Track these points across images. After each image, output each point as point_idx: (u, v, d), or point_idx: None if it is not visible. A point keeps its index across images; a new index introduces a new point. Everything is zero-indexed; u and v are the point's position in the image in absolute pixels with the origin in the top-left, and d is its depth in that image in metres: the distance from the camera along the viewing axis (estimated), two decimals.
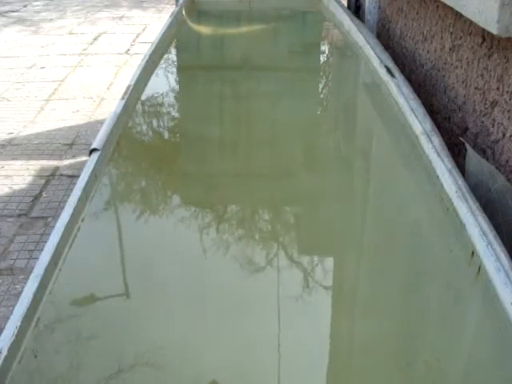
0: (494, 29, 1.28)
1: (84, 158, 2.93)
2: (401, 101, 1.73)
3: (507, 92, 1.39)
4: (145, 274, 1.22)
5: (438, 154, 1.41)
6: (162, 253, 1.30)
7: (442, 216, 1.30)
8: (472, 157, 1.47)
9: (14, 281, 2.25)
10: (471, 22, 1.46)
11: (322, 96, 2.28)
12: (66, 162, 3.16)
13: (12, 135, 3.49)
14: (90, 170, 1.44)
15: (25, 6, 6.99)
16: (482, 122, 1.53)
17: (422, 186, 1.43)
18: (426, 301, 1.15)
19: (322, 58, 2.73)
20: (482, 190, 1.39)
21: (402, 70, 2.04)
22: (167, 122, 2.02)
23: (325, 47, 2.85)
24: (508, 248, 1.09)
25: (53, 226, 1.24)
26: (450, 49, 1.77)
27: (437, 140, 1.47)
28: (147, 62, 2.19)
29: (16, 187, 2.91)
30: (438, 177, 1.36)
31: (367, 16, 2.93)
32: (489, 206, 1.33)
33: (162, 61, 2.41)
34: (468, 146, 1.50)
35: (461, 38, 1.68)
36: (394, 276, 1.21)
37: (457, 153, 1.66)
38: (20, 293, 1.06)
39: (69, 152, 3.28)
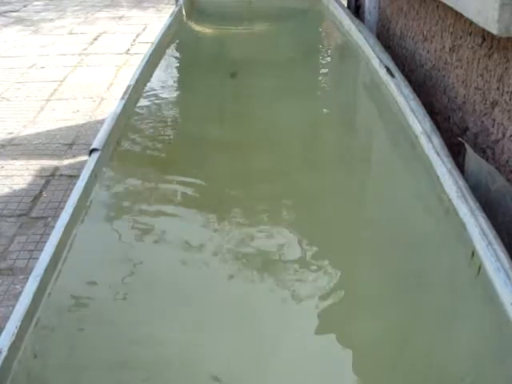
0: (494, 29, 1.28)
1: (84, 158, 2.93)
2: (401, 101, 1.73)
3: (507, 92, 1.39)
4: (145, 274, 1.22)
5: (438, 154, 1.41)
6: (162, 253, 1.30)
7: (442, 216, 1.30)
8: (471, 157, 1.47)
9: (14, 281, 2.25)
10: (471, 22, 1.46)
11: (321, 96, 2.28)
12: (66, 162, 3.16)
13: (12, 135, 3.49)
14: (90, 170, 1.44)
15: (25, 6, 6.99)
16: (482, 122, 1.53)
17: (422, 186, 1.43)
18: (426, 301, 1.15)
19: (322, 58, 2.72)
20: (481, 190, 1.39)
21: (402, 70, 2.04)
22: (167, 122, 2.02)
23: (324, 47, 2.84)
24: (508, 248, 1.09)
25: (53, 226, 1.23)
26: (450, 49, 1.77)
27: (437, 140, 1.47)
28: (147, 62, 2.19)
29: (16, 187, 2.90)
30: (438, 177, 1.36)
31: (367, 16, 2.93)
32: (489, 206, 1.33)
33: (162, 61, 2.41)
34: (467, 147, 1.50)
35: (461, 37, 1.68)
36: (394, 276, 1.21)
37: (457, 153, 1.66)
38: (20, 293, 1.06)
39: (69, 152, 3.28)
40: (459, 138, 1.62)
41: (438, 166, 1.38)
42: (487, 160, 1.45)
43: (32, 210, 2.71)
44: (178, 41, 2.71)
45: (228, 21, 3.19)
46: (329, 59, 2.68)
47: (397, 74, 1.90)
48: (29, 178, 2.99)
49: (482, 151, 1.52)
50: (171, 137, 1.93)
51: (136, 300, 1.17)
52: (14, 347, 0.96)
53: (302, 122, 1.94)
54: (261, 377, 1.00)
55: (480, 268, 1.08)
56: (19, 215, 2.67)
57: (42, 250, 1.16)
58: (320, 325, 1.10)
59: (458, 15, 1.61)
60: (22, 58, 4.99)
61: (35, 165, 3.12)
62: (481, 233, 1.12)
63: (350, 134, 1.93)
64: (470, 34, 1.60)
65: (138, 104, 2.00)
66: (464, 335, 1.06)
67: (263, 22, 3.16)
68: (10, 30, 5.92)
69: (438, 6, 1.88)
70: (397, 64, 2.03)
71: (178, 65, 2.51)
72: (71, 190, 1.37)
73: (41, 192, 2.86)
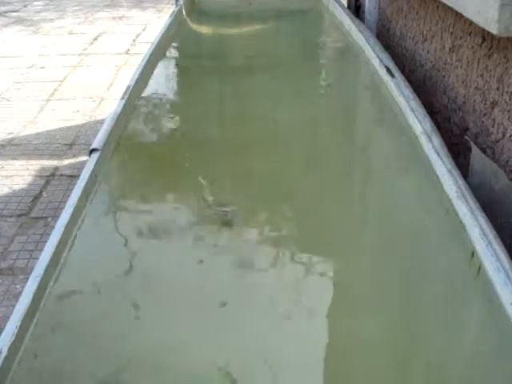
0: (494, 29, 1.28)
1: (84, 158, 2.93)
2: (401, 101, 1.73)
3: (507, 92, 1.39)
4: (145, 274, 1.22)
5: (438, 154, 1.41)
6: (162, 253, 1.30)
7: (442, 216, 1.30)
8: (476, 156, 1.47)
9: (14, 281, 2.25)
10: (471, 22, 1.46)
11: (321, 96, 2.28)
12: (66, 162, 3.16)
13: (12, 135, 3.49)
14: (90, 170, 1.44)
15: (25, 6, 6.99)
16: (482, 122, 1.53)
17: (422, 186, 1.43)
18: (426, 301, 1.15)
19: (322, 58, 2.72)
20: (485, 189, 1.39)
21: (402, 70, 2.04)
22: (167, 122, 2.02)
23: (324, 47, 2.84)
24: (509, 248, 1.09)
25: (53, 226, 1.23)
26: (450, 49, 1.77)
27: (437, 140, 1.47)
28: (147, 61, 2.19)
29: (16, 187, 2.91)
30: (438, 177, 1.36)
31: (367, 16, 2.93)
32: (492, 205, 1.33)
33: (162, 61, 2.41)
34: (473, 145, 1.50)
35: (461, 37, 1.68)
36: (394, 276, 1.21)
37: (457, 153, 1.66)
38: (20, 293, 1.06)
39: (69, 152, 3.28)
40: (465, 137, 1.61)
41: (438, 166, 1.38)
42: None
43: (32, 210, 2.71)
44: (178, 41, 2.71)
45: (228, 21, 3.19)
46: (329, 59, 2.68)
47: (397, 74, 1.90)
48: (29, 178, 2.99)
49: (482, 151, 1.52)
50: (171, 137, 1.94)
51: (136, 300, 1.17)
52: (14, 347, 0.96)
53: (303, 122, 1.94)
54: (260, 377, 1.00)
55: (480, 268, 1.08)
56: (19, 215, 2.67)
57: (42, 249, 1.16)
58: (320, 324, 1.10)
59: (458, 15, 1.61)
60: (21, 58, 4.99)
61: (35, 165, 3.12)
62: (481, 233, 1.12)
63: (350, 134, 1.93)
64: (470, 34, 1.60)
65: (138, 104, 2.00)
66: (464, 335, 1.06)
67: (263, 22, 3.16)
68: (9, 30, 5.93)
69: (437, 6, 1.88)
70: (397, 64, 2.03)
71: (177, 65, 2.51)
72: (71, 190, 1.37)
73: (41, 192, 2.86)
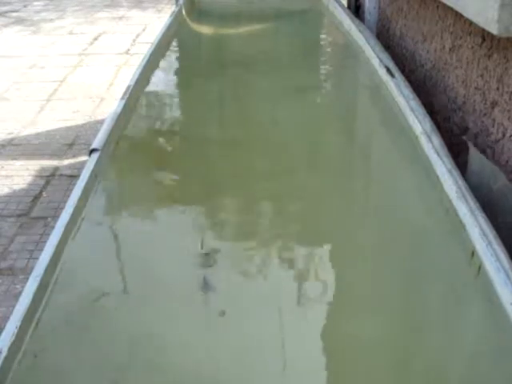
0: (494, 29, 1.28)
1: (84, 158, 2.93)
2: (401, 101, 1.73)
3: (507, 92, 1.39)
4: (145, 273, 1.22)
5: (438, 154, 1.41)
6: (162, 252, 1.30)
7: (442, 216, 1.30)
8: (474, 156, 1.47)
9: (14, 281, 2.25)
10: (471, 22, 1.46)
11: (321, 96, 2.28)
12: (66, 162, 3.16)
13: (12, 135, 3.49)
14: (90, 170, 1.44)
15: (25, 6, 6.99)
16: (482, 122, 1.53)
17: (422, 186, 1.43)
18: (426, 301, 1.15)
19: (322, 58, 2.72)
20: (483, 189, 1.39)
21: (402, 70, 2.04)
22: (167, 122, 2.02)
23: (324, 47, 2.84)
24: (508, 248, 1.09)
25: (53, 226, 1.24)
26: (450, 49, 1.77)
27: (437, 140, 1.47)
28: (147, 62, 2.19)
29: (16, 187, 2.91)
30: (438, 177, 1.36)
31: (367, 16, 2.93)
32: (491, 205, 1.33)
33: (162, 61, 2.41)
34: (470, 145, 1.50)
35: (461, 38, 1.68)
36: (395, 276, 1.21)
37: (457, 153, 1.66)
38: (20, 293, 1.06)
39: (69, 152, 3.28)
40: (463, 137, 1.61)
41: (437, 166, 1.38)
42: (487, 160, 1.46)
43: (32, 209, 2.71)
44: (177, 41, 2.71)
45: (228, 21, 3.19)
46: (329, 59, 2.68)
47: (397, 74, 1.90)
48: (29, 178, 2.99)
49: (482, 151, 1.52)
50: (171, 136, 1.94)
51: (136, 300, 1.17)
52: (14, 347, 0.96)
53: (303, 121, 1.94)
54: (260, 377, 1.00)
55: (480, 268, 1.08)
56: (19, 215, 2.67)
57: (42, 250, 1.16)
58: (320, 324, 1.10)
59: (458, 15, 1.61)
60: (22, 58, 4.99)
61: (35, 165, 3.12)
62: (481, 233, 1.12)
63: (350, 134, 1.93)
64: (470, 34, 1.60)
65: (138, 104, 2.00)
66: (464, 335, 1.06)
67: (263, 22, 3.16)
68: (9, 30, 5.93)
69: (437, 6, 1.88)
70: (397, 64, 2.03)
71: (177, 65, 2.51)
72: (71, 190, 1.37)
73: (41, 192, 2.86)
